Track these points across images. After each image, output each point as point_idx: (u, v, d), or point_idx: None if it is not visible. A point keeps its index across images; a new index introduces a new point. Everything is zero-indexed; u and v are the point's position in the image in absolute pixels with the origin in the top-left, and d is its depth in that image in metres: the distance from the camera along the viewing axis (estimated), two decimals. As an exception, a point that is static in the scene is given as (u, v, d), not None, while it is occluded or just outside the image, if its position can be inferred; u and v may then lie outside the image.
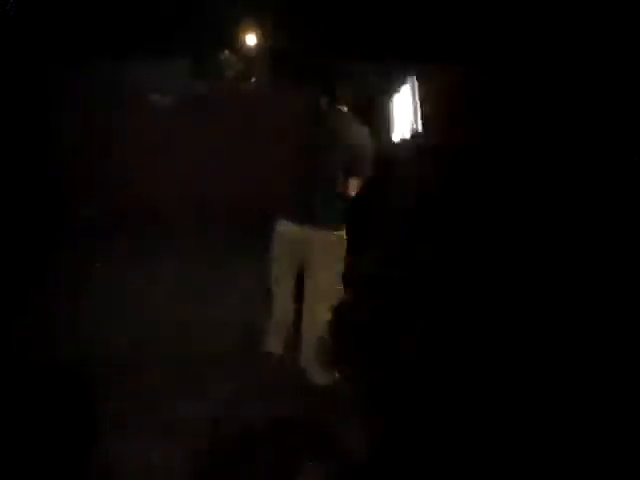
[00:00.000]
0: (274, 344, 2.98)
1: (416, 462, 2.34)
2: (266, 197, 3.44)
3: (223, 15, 8.59)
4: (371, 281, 3.64)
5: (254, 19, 10.03)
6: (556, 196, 4.40)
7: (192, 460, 2.27)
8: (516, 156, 4.54)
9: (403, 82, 3.70)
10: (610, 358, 3.01)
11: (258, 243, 2.95)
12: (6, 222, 4.21)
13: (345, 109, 2.73)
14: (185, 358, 2.96)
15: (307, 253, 2.73)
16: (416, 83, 3.60)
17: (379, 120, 3.66)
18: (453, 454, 2.35)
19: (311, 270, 2.77)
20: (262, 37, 10.35)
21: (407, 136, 3.67)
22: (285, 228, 2.75)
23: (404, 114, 3.70)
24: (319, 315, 2.80)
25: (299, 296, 2.91)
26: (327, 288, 2.77)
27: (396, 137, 3.75)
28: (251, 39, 10.55)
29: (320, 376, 2.83)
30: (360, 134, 2.70)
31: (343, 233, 2.74)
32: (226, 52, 9.52)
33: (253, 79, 9.54)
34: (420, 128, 3.57)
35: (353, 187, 2.68)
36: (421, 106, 3.60)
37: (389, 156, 3.49)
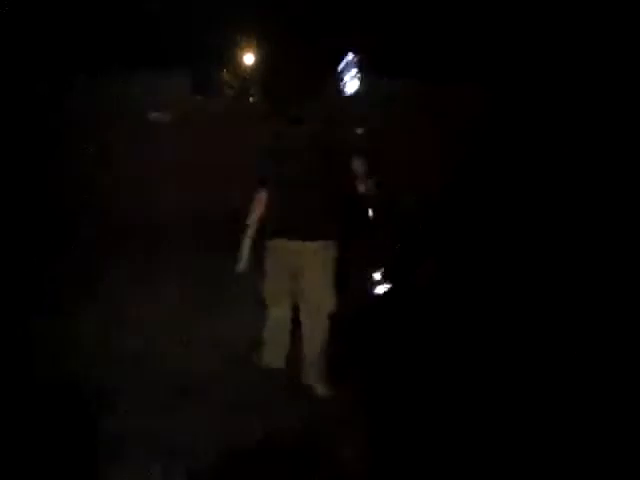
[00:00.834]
0: (273, 359, 2.98)
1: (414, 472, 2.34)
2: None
3: (223, 34, 8.68)
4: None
5: (253, 38, 10.13)
6: (556, 196, 4.45)
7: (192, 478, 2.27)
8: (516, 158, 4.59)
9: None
10: (610, 358, 3.03)
11: (256, 258, 2.97)
12: (5, 240, 4.21)
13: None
14: (185, 375, 2.96)
15: (301, 265, 2.76)
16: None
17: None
18: (453, 469, 2.36)
19: (305, 282, 2.79)
20: (261, 56, 10.44)
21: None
22: (279, 243, 2.78)
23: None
24: (316, 328, 2.82)
25: (295, 311, 2.94)
26: (321, 299, 2.79)
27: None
28: (249, 58, 10.65)
29: (320, 389, 2.84)
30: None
31: (332, 242, 2.77)
32: (225, 70, 9.61)
33: (251, 98, 9.61)
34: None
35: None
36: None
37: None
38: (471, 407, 2.72)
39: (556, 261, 4.03)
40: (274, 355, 2.97)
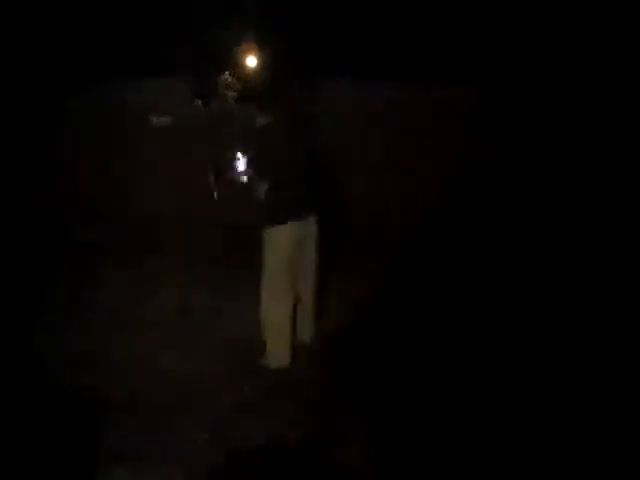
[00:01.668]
0: (275, 360, 3.01)
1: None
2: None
3: (224, 37, 8.70)
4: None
5: (254, 41, 10.15)
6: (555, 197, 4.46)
7: None
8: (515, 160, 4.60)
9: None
10: (610, 358, 3.04)
11: (256, 261, 2.99)
12: (3, 245, 4.20)
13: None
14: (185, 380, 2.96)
15: (301, 240, 2.93)
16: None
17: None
18: (453, 470, 2.36)
19: (306, 251, 2.98)
20: (262, 59, 10.46)
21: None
22: (281, 229, 2.85)
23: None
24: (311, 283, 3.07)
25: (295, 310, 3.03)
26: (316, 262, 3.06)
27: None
28: (251, 61, 10.68)
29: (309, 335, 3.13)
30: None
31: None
32: (226, 73, 9.64)
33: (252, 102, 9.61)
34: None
35: None
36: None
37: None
38: (471, 407, 2.73)
39: (556, 262, 4.04)
40: (279, 354, 3.00)
